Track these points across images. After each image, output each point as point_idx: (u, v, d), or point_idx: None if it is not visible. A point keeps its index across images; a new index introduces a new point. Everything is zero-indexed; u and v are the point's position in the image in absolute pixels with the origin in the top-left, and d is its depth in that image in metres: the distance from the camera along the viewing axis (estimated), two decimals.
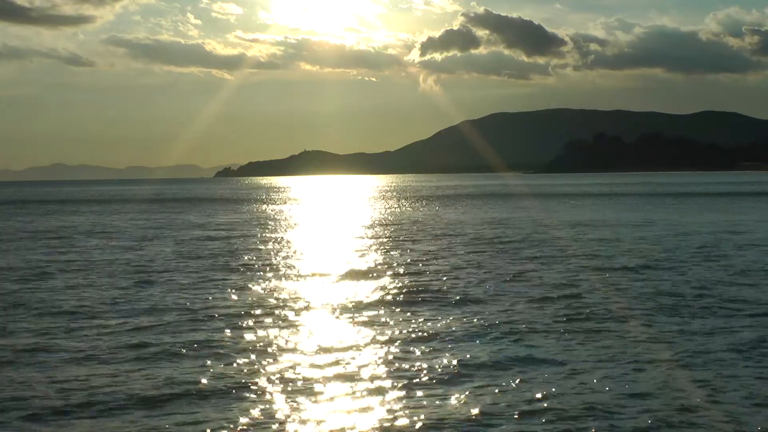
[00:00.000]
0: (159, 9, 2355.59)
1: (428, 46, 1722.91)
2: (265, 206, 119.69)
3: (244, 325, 24.38)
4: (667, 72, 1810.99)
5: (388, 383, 17.82)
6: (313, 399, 16.80)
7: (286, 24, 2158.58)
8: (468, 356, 20.12)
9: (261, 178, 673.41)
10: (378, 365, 19.37)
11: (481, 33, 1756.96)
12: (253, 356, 20.44)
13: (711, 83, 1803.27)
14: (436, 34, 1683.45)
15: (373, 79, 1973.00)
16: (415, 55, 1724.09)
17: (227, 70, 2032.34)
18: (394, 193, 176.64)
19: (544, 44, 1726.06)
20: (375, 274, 35.81)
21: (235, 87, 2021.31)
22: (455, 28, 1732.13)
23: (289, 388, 17.53)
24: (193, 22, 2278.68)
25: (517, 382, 17.87)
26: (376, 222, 75.39)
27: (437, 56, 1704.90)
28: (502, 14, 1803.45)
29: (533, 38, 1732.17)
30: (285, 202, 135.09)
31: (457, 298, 28.89)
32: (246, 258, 43.54)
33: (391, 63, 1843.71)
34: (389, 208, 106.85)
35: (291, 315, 25.99)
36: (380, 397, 16.85)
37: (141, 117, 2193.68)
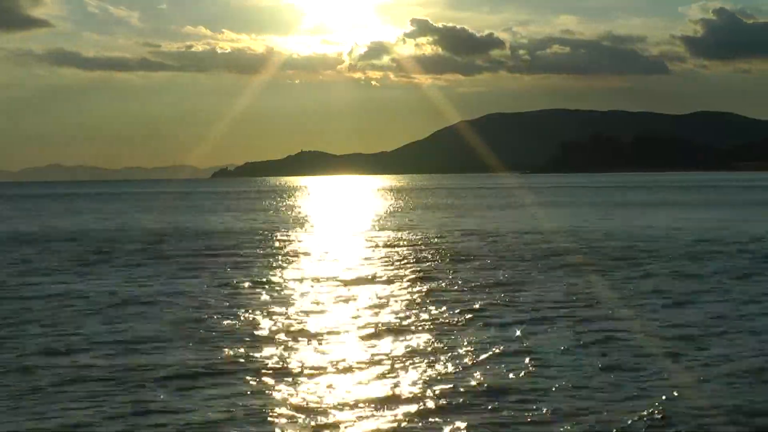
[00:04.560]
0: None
1: (423, 45, 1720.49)
2: (273, 208, 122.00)
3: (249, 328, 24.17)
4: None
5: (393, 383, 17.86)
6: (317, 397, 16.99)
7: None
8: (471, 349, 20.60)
9: (259, 178, 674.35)
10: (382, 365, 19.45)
11: (478, 33, 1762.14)
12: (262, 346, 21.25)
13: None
14: (433, 34, 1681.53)
15: (370, 80, 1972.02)
16: (409, 54, 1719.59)
17: (224, 70, 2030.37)
18: (399, 194, 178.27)
19: (543, 45, 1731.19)
20: (382, 278, 34.75)
21: (232, 87, 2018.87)
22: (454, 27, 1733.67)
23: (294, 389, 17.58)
24: (188, 22, 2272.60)
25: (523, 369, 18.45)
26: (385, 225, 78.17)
27: (433, 56, 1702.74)
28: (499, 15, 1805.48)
29: (532, 38, 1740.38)
30: (292, 205, 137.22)
31: (467, 304, 28.13)
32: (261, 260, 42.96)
33: (385, 63, 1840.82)
34: (394, 209, 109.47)
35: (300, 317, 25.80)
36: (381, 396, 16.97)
37: (139, 117, 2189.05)
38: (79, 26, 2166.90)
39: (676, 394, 16.70)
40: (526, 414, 15.68)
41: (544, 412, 15.77)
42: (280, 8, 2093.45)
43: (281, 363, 19.75)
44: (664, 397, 16.40)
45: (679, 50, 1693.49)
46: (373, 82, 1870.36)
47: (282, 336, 22.77)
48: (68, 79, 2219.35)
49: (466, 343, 21.59)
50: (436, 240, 52.62)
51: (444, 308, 26.70)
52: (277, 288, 32.07)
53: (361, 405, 16.39)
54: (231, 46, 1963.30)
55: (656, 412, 15.58)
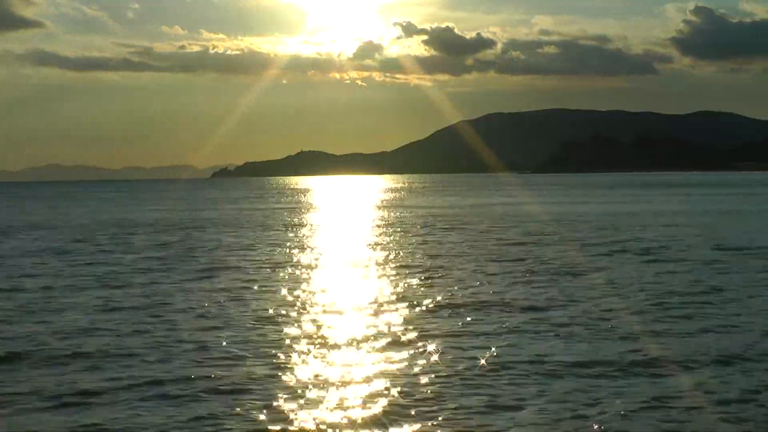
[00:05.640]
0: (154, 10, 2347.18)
1: (418, 46, 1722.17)
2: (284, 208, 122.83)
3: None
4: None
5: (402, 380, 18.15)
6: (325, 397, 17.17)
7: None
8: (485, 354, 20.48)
9: (260, 178, 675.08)
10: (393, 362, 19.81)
11: (470, 34, 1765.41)
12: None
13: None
14: (427, 35, 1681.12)
15: (368, 80, 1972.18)
16: (404, 54, 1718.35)
17: (222, 71, 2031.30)
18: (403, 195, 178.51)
19: (537, 45, 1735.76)
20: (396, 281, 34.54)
21: (231, 88, 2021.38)
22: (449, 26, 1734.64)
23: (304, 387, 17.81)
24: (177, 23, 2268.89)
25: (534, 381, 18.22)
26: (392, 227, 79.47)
27: (431, 56, 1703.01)
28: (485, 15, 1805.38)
29: (528, 39, 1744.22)
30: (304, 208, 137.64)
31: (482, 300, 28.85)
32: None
33: (383, 63, 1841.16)
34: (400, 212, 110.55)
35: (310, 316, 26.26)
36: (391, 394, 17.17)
37: (136, 117, 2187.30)
38: (66, 27, 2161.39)
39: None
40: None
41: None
42: (279, 9, 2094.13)
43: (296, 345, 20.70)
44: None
45: (663, 51, 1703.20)
46: (360, 82, 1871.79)
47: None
48: (55, 79, 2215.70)
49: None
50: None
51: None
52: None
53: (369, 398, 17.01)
54: (224, 46, 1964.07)
55: None
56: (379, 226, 69.39)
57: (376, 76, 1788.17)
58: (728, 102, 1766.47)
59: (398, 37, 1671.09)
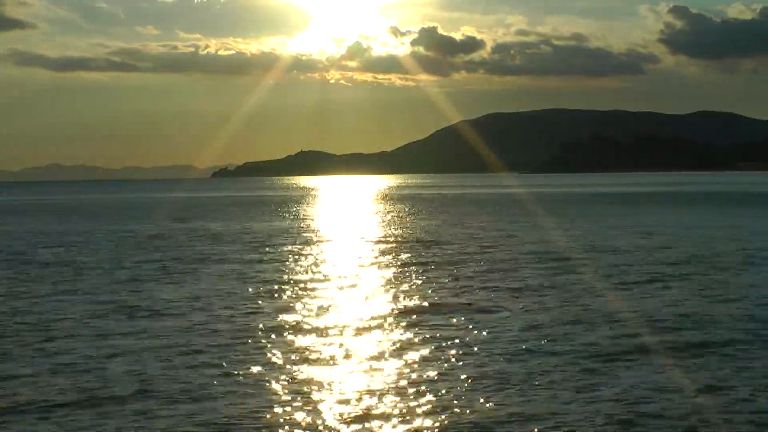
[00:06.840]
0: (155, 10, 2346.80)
1: (412, 45, 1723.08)
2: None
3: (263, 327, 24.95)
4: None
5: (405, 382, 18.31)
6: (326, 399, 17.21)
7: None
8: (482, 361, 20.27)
9: (259, 178, 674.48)
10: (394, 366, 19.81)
11: (471, 35, 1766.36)
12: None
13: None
14: (419, 35, 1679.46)
15: (370, 80, 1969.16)
16: (402, 54, 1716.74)
17: (213, 72, 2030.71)
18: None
19: (527, 46, 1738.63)
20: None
21: (224, 89, 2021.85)
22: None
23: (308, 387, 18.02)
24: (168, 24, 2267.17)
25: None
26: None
27: (421, 57, 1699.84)
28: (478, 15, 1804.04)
29: (517, 40, 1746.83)
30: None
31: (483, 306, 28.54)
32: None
33: (383, 63, 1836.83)
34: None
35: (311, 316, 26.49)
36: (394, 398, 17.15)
37: (134, 117, 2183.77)
38: (55, 27, 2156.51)
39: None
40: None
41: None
42: (270, 10, 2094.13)
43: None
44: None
45: (650, 51, 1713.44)
46: (344, 82, 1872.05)
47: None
48: (49, 80, 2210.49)
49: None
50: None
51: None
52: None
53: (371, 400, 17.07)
54: (214, 47, 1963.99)
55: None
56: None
57: (368, 76, 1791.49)
58: (722, 101, 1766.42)
59: (387, 38, 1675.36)
